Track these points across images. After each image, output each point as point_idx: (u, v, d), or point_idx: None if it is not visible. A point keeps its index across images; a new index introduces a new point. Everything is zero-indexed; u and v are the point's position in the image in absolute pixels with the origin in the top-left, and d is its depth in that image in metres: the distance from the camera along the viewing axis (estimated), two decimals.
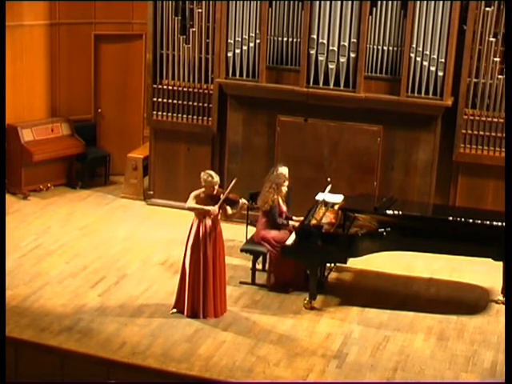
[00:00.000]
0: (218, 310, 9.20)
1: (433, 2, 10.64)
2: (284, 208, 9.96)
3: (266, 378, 8.11)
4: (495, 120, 10.95)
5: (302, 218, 9.85)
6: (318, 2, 10.93)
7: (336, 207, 9.88)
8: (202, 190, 9.06)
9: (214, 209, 8.97)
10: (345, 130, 11.32)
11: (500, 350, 8.68)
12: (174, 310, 9.23)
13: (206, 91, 11.81)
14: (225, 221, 11.75)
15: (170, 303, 9.32)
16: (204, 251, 9.03)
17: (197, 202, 9.04)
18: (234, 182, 9.07)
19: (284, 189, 9.86)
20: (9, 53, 12.10)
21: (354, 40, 10.95)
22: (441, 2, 10.62)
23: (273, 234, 9.79)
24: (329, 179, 11.23)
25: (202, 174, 9.07)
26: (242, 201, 9.12)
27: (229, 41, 11.38)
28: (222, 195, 9.01)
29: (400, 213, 9.63)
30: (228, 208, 9.16)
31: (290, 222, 9.92)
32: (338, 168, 11.42)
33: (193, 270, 9.06)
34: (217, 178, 9.03)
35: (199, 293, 9.08)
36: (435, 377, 8.29)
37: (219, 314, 9.19)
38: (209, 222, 9.03)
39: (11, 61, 12.19)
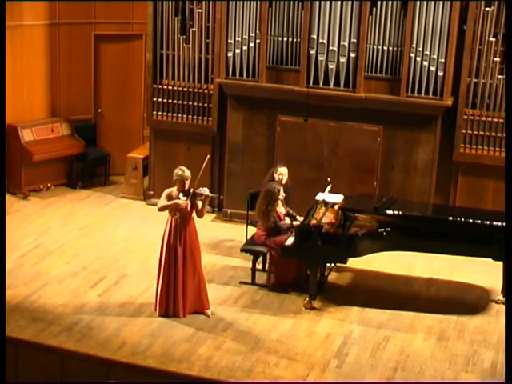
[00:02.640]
0: (187, 308, 9.11)
1: (433, 2, 10.65)
2: (283, 211, 9.93)
3: (266, 378, 8.11)
4: (495, 120, 10.95)
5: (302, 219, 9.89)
6: (317, 2, 10.93)
7: (336, 207, 9.87)
8: (175, 188, 9.01)
9: (186, 202, 8.86)
10: (345, 130, 11.32)
11: (500, 350, 8.67)
12: None
13: (206, 91, 11.81)
14: (228, 221, 11.84)
15: None
16: (175, 249, 8.97)
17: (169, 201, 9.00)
18: (206, 159, 8.97)
19: (280, 197, 9.82)
20: (9, 53, 12.09)
21: (354, 40, 10.95)
22: (441, 2, 10.63)
23: (273, 239, 9.75)
24: (329, 179, 11.23)
25: (176, 169, 8.99)
26: (206, 193, 8.92)
27: (229, 41, 11.38)
28: (192, 190, 8.92)
29: (400, 213, 9.63)
30: (199, 203, 9.03)
31: (294, 222, 9.89)
32: (337, 168, 11.42)
33: (166, 269, 9.02)
34: (188, 173, 8.93)
35: (169, 292, 9.04)
36: (435, 377, 8.29)
37: (188, 312, 9.11)
38: (180, 219, 8.94)
39: (11, 61, 12.18)
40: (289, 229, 9.78)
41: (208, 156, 9.20)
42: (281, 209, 9.90)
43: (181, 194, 8.92)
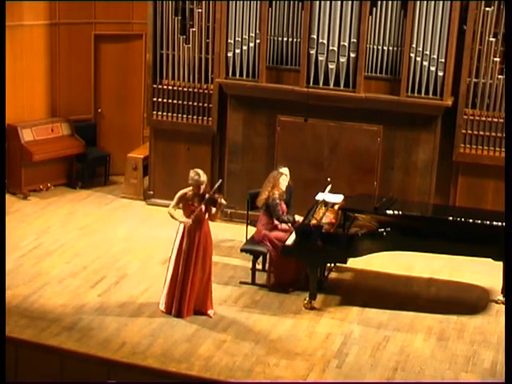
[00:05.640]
0: (192, 309, 9.13)
1: (433, 2, 10.65)
2: (284, 207, 9.95)
3: (266, 378, 8.11)
4: (495, 120, 10.96)
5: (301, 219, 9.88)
6: (317, 2, 10.93)
7: (336, 207, 9.87)
8: (190, 188, 9.01)
9: (188, 221, 8.91)
10: (345, 129, 11.33)
11: (500, 350, 8.67)
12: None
13: (206, 91, 11.81)
14: (228, 221, 11.85)
15: None
16: (188, 251, 8.96)
17: (183, 203, 8.98)
18: (218, 183, 9.08)
19: (282, 182, 9.84)
20: (9, 53, 12.10)
21: (354, 40, 10.95)
22: (441, 2, 10.63)
23: (275, 233, 9.79)
24: (329, 179, 11.23)
25: (191, 171, 8.98)
26: (220, 201, 8.96)
27: (229, 41, 11.38)
28: (207, 195, 8.93)
29: (400, 213, 9.63)
30: (213, 209, 9.06)
31: (296, 217, 9.91)
32: (337, 168, 11.42)
33: (178, 270, 9.02)
34: (204, 178, 8.91)
35: (175, 292, 9.06)
36: (435, 377, 8.29)
37: (191, 313, 9.13)
38: (194, 222, 8.94)
39: (11, 61, 12.18)
40: (289, 221, 9.78)
41: (220, 180, 9.56)
42: (282, 201, 9.89)
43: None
